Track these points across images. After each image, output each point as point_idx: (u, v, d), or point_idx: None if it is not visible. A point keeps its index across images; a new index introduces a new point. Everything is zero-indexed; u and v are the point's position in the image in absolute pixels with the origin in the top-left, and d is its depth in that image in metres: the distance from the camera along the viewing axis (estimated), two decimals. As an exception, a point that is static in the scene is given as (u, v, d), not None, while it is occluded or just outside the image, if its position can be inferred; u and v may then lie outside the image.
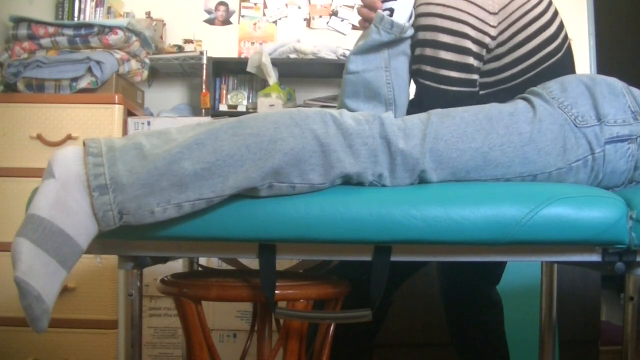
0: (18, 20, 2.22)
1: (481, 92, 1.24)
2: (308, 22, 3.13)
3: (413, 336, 2.35)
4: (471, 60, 1.20)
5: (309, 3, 3.13)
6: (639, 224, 0.97)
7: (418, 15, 1.22)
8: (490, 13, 1.19)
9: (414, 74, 1.26)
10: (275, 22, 3.12)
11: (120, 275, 1.05)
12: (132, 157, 0.95)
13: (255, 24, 3.11)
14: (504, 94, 1.23)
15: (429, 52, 1.21)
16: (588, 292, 2.41)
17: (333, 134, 0.99)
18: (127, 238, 1.01)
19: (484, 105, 1.10)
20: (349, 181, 1.03)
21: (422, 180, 1.04)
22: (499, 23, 1.20)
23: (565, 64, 1.28)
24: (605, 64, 3.12)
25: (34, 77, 2.19)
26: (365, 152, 1.00)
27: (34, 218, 0.92)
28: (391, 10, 1.24)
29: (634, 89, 1.12)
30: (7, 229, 2.05)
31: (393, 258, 1.01)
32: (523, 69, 1.23)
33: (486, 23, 1.19)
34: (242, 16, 3.13)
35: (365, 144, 1.00)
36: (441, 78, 1.20)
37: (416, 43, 1.24)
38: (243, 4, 3.13)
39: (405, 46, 1.26)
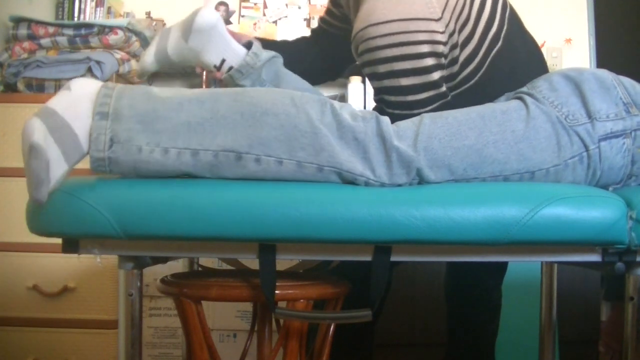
0: (18, 20, 2.22)
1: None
2: (308, 22, 3.13)
3: (413, 336, 2.35)
4: (436, 75, 1.17)
5: (309, 3, 3.13)
6: (639, 224, 0.97)
7: (363, 52, 1.19)
8: (436, 20, 1.16)
9: (378, 103, 1.24)
10: (275, 22, 3.12)
11: (120, 275, 1.05)
12: (138, 96, 1.01)
13: (255, 24, 3.11)
14: (469, 94, 1.22)
15: (388, 82, 1.18)
16: (588, 292, 2.41)
17: (328, 122, 1.01)
18: (127, 238, 1.01)
19: (476, 106, 1.09)
20: (341, 174, 1.02)
21: (421, 178, 1.04)
22: (446, 26, 1.17)
23: (516, 36, 1.26)
24: (605, 64, 3.12)
25: (34, 77, 2.18)
26: (355, 145, 1.01)
27: (49, 109, 0.96)
28: (223, 61, 1.28)
29: (625, 79, 1.11)
30: (7, 229, 2.05)
31: (393, 258, 1.02)
32: (478, 62, 1.22)
33: (435, 32, 1.16)
34: (242, 16, 3.12)
35: (355, 139, 1.01)
36: (410, 104, 1.18)
37: (371, 76, 1.21)
38: (243, 4, 3.13)
39: (269, 63, 1.33)
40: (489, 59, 1.22)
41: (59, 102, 0.98)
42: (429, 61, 1.16)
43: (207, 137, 0.99)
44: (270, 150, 1.00)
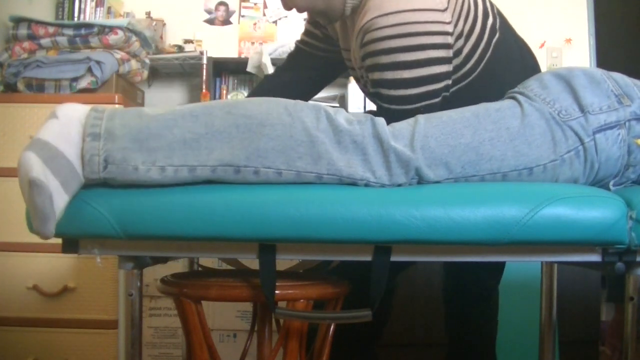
0: (18, 20, 2.22)
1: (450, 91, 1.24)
2: (308, 22, 3.12)
3: (413, 336, 2.35)
4: (440, 68, 1.18)
5: (309, 3, 3.12)
6: (639, 224, 0.97)
7: (368, 42, 1.19)
8: (442, 11, 1.17)
9: (373, 96, 1.23)
10: (275, 22, 3.12)
11: (120, 275, 1.05)
12: (130, 115, 1.00)
13: (255, 24, 3.11)
14: (469, 88, 1.24)
15: (390, 75, 1.18)
16: (588, 292, 2.41)
17: (323, 128, 1.00)
18: (127, 238, 1.01)
19: (470, 106, 1.10)
20: (341, 180, 1.02)
21: (420, 177, 1.04)
22: (452, 16, 1.19)
23: (508, 30, 1.31)
24: (605, 64, 3.11)
25: (34, 77, 2.18)
26: (353, 149, 1.01)
27: (40, 141, 0.95)
28: None
29: (615, 74, 1.13)
30: (7, 229, 2.05)
31: (393, 258, 1.01)
32: (480, 54, 1.24)
33: (442, 22, 1.17)
34: (242, 16, 3.12)
35: (353, 142, 1.01)
36: (410, 97, 1.18)
37: (372, 67, 1.20)
38: (243, 4, 3.13)
39: None
40: (490, 50, 1.24)
41: (48, 132, 0.96)
42: (435, 53, 1.16)
43: (203, 153, 0.98)
44: (268, 162, 0.99)
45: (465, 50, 1.22)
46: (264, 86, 1.63)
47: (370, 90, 1.24)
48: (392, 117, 1.09)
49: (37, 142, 0.95)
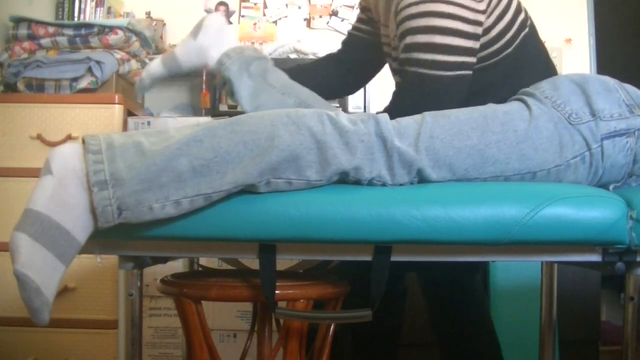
0: (18, 20, 2.22)
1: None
2: (308, 22, 3.13)
3: (413, 336, 2.35)
4: (470, 43, 1.18)
5: (309, 3, 3.13)
6: (639, 224, 0.97)
7: (404, 7, 1.20)
8: None
9: (402, 64, 1.23)
10: (275, 22, 3.12)
11: (120, 275, 1.05)
12: (132, 154, 0.96)
13: (255, 24, 3.11)
14: (492, 69, 1.25)
15: (422, 38, 1.18)
16: (588, 292, 2.41)
17: (329, 132, 1.00)
18: (127, 238, 1.01)
19: (478, 107, 1.10)
20: (346, 179, 1.02)
21: (422, 178, 1.04)
22: None
23: (535, 33, 1.32)
24: (605, 64, 3.12)
25: (34, 77, 2.18)
26: (362, 148, 1.01)
27: (31, 212, 0.93)
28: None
29: (627, 85, 1.13)
30: (7, 229, 2.04)
31: (393, 258, 1.01)
32: (508, 40, 1.25)
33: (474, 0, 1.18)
34: (242, 16, 3.12)
35: (361, 141, 1.01)
36: (438, 64, 1.17)
37: (405, 32, 1.20)
38: (243, 4, 3.13)
39: (257, 63, 1.37)
40: (518, 39, 1.26)
41: (41, 198, 0.93)
42: (465, 27, 1.17)
43: (216, 178, 0.96)
44: (279, 173, 0.98)
45: (494, 33, 1.23)
46: (317, 62, 1.66)
47: (401, 56, 1.23)
48: (418, 83, 1.10)
49: (28, 214, 0.93)
